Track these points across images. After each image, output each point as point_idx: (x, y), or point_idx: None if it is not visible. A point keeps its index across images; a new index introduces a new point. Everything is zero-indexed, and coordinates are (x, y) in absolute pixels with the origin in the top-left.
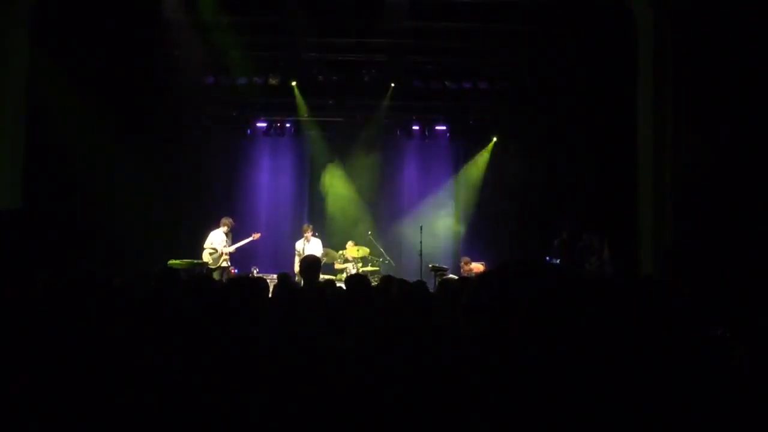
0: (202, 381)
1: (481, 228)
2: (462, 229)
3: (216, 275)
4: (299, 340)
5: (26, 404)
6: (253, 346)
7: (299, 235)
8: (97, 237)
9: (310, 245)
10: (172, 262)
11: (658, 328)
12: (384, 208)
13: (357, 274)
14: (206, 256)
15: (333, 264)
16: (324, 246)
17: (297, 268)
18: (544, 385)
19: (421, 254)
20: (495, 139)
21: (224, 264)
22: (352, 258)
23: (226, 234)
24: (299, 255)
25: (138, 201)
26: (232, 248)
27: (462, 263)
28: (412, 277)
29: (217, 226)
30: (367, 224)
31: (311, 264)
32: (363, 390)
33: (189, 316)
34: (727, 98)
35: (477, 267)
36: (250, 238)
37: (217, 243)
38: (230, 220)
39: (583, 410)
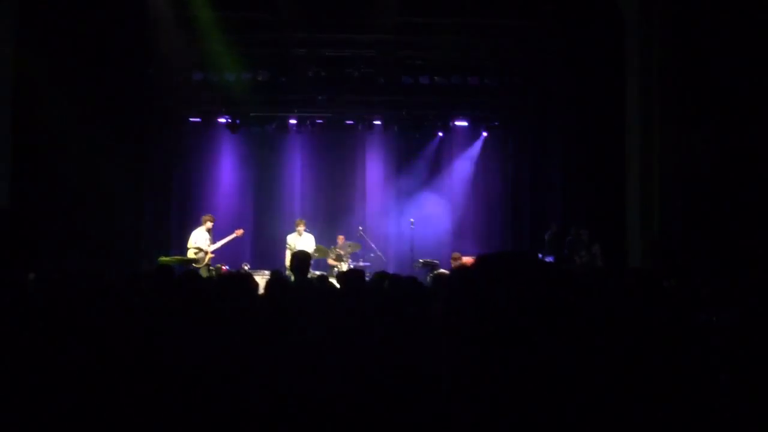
0: (193, 377)
1: (472, 223)
2: (453, 223)
3: (203, 273)
4: (290, 336)
5: (21, 404)
6: (244, 342)
7: (290, 230)
8: (85, 234)
9: (302, 240)
10: (162, 258)
11: (645, 319)
12: (375, 203)
13: (352, 270)
14: (191, 256)
15: (325, 260)
16: (316, 242)
17: (288, 262)
18: (528, 382)
19: (412, 249)
20: (485, 134)
21: (208, 263)
22: (344, 253)
23: (209, 231)
24: (290, 249)
25: (126, 197)
26: (217, 245)
27: (452, 258)
28: (403, 272)
29: (199, 225)
30: (357, 219)
31: (301, 259)
32: (354, 384)
33: (180, 313)
34: (712, 92)
35: (468, 261)
36: (233, 235)
37: (200, 242)
38: (211, 216)
39: (570, 405)
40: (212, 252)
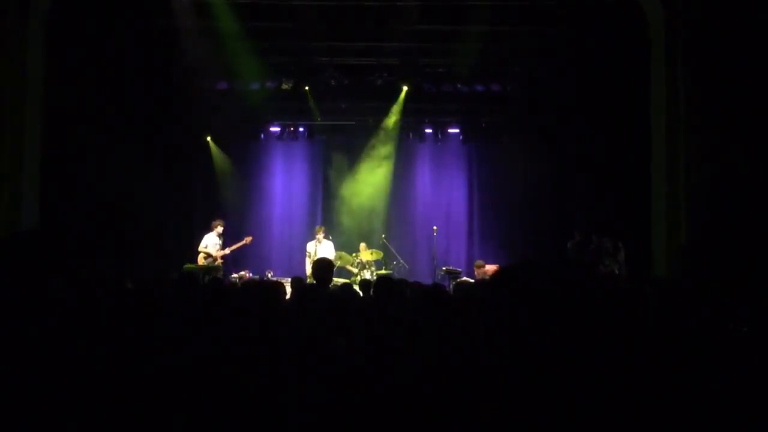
0: (217, 384)
1: (495, 230)
2: (475, 231)
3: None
4: (315, 344)
5: (47, 407)
6: (269, 349)
7: (312, 238)
8: (110, 244)
9: (322, 247)
10: (187, 266)
11: (673, 329)
12: (397, 211)
13: (385, 277)
14: (200, 261)
15: (346, 267)
16: (336, 249)
17: (308, 269)
18: (563, 386)
19: (434, 257)
20: (508, 141)
21: (219, 267)
22: (366, 261)
23: (219, 236)
24: (310, 257)
25: (151, 205)
26: (226, 251)
27: (475, 266)
28: (425, 280)
29: (210, 230)
30: (380, 227)
31: (323, 267)
32: (381, 394)
33: (205, 319)
34: (740, 97)
35: (491, 269)
36: (243, 242)
37: (210, 246)
38: (221, 221)
39: (600, 411)
40: (221, 257)
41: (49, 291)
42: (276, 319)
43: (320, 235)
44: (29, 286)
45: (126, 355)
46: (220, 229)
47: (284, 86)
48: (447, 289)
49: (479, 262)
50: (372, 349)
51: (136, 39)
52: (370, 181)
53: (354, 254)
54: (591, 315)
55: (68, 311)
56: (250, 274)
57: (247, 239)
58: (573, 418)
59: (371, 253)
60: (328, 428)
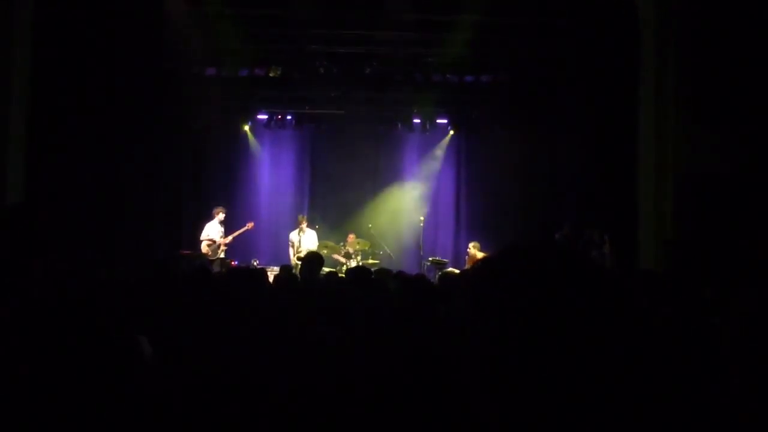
0: (200, 372)
1: (483, 222)
2: (463, 223)
3: (215, 266)
4: (299, 331)
5: (24, 397)
6: (252, 337)
7: (295, 227)
8: (98, 231)
9: (305, 236)
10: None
11: (658, 322)
12: (385, 201)
13: (358, 267)
14: (204, 249)
15: (333, 257)
16: (320, 238)
17: (293, 259)
18: (559, 379)
19: (421, 248)
20: (497, 133)
21: (222, 255)
22: (353, 251)
23: (221, 223)
24: (293, 246)
25: (138, 192)
26: (229, 238)
27: (470, 246)
28: (412, 271)
29: (212, 218)
30: (367, 217)
31: (313, 260)
32: (363, 383)
33: (188, 306)
34: (728, 91)
35: (478, 256)
36: (245, 228)
37: (213, 234)
38: (222, 208)
39: (584, 404)
40: (225, 244)
41: (26, 269)
42: (260, 307)
43: (303, 225)
44: (7, 261)
45: (100, 343)
46: (221, 216)
47: (272, 73)
48: (432, 279)
49: (475, 243)
50: (356, 337)
51: (124, 23)
52: (358, 170)
53: (341, 243)
54: (582, 307)
55: (43, 292)
56: (236, 262)
57: (249, 225)
58: (559, 410)
59: (358, 243)
60: (313, 417)
